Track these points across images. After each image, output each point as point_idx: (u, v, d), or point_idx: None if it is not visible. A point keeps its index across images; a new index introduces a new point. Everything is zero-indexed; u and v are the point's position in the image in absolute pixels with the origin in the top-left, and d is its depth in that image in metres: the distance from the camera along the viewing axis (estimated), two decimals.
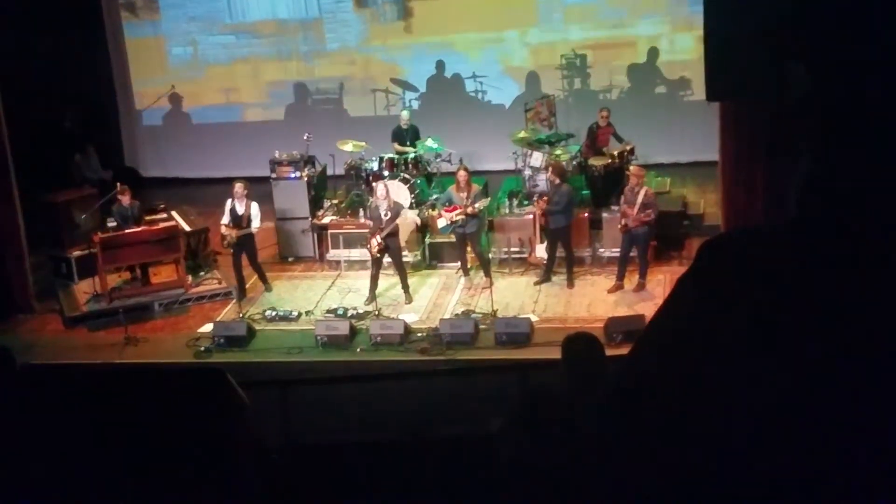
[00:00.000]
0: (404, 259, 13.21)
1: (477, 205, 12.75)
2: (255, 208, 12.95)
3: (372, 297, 12.57)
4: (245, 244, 12.89)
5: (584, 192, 14.30)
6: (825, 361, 1.35)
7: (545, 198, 12.71)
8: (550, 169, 13.03)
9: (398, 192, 13.89)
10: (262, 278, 13.22)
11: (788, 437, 1.36)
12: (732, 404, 1.39)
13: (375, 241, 12.49)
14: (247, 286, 13.17)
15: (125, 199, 13.24)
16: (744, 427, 1.38)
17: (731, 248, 1.47)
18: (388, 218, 12.50)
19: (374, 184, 13.57)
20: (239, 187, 12.93)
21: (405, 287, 12.75)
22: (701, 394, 1.42)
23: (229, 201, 12.92)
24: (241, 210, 12.85)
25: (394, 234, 12.58)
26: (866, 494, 1.34)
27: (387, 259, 12.78)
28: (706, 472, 1.41)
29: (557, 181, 12.75)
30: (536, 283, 12.96)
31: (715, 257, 1.46)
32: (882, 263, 1.35)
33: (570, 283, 12.85)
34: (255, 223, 12.94)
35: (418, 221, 13.49)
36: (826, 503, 1.35)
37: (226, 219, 12.87)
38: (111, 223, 13.45)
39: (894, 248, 1.36)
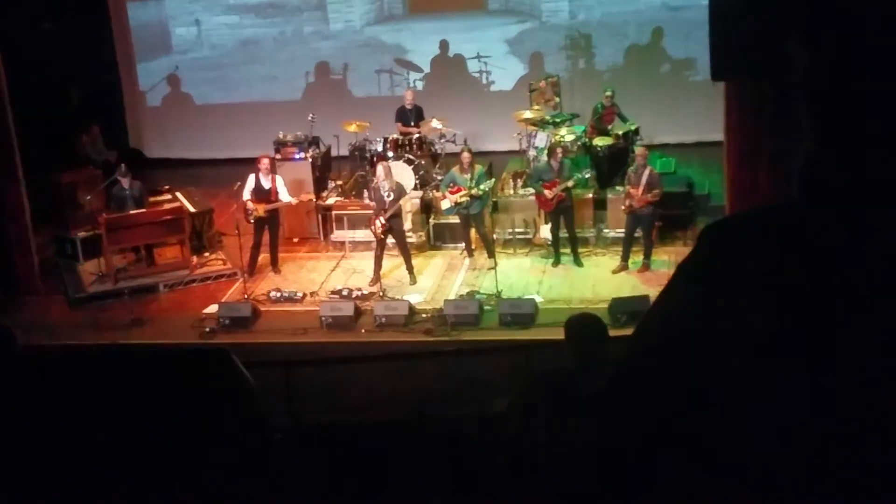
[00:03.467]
0: (409, 240, 13.21)
1: (481, 186, 12.74)
2: (280, 181, 12.99)
3: (377, 278, 12.57)
4: (271, 220, 12.93)
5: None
6: (829, 349, 1.34)
7: (557, 179, 12.62)
8: (560, 151, 12.94)
9: (402, 173, 13.87)
10: (275, 259, 13.20)
11: (790, 427, 1.36)
12: (732, 392, 1.39)
13: (379, 222, 12.48)
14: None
15: (125, 182, 13.22)
16: (743, 414, 1.38)
17: (732, 232, 1.46)
18: (390, 199, 12.48)
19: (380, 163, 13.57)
20: (265, 162, 12.97)
21: (409, 268, 12.75)
22: (701, 382, 1.41)
23: (251, 177, 12.90)
24: (266, 184, 12.86)
25: (397, 215, 12.57)
26: (876, 491, 1.33)
27: (391, 240, 12.78)
28: (705, 458, 1.41)
29: (561, 158, 12.77)
30: (554, 265, 12.92)
31: (715, 243, 1.45)
32: (886, 246, 1.34)
33: (579, 262, 12.85)
34: (285, 195, 12.93)
35: (417, 203, 13.38)
36: (832, 496, 1.35)
37: (247, 193, 12.86)
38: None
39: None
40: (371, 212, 12.81)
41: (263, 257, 13.25)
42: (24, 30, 15.34)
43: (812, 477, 1.35)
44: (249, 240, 13.07)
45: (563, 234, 12.92)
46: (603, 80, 16.51)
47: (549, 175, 12.72)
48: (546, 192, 12.65)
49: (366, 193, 13.83)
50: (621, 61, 17.06)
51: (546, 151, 13.48)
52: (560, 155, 12.78)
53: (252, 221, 12.92)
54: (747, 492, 1.39)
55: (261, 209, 12.79)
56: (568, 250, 13.00)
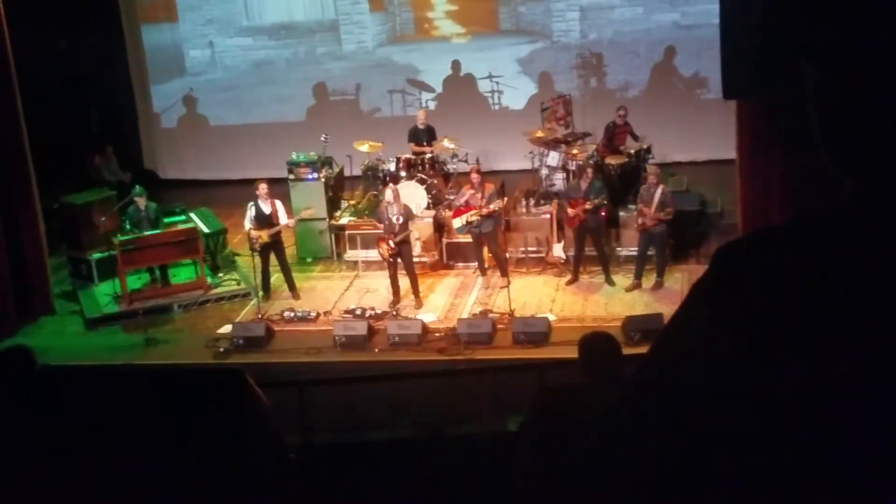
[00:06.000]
0: (422, 259, 13.22)
1: (492, 205, 12.76)
2: (279, 205, 13.01)
3: (397, 298, 12.59)
4: (275, 244, 12.96)
5: None
6: (845, 368, 1.34)
7: (582, 199, 12.62)
8: (590, 172, 12.94)
9: (415, 192, 13.91)
10: (291, 285, 13.16)
11: (801, 451, 1.36)
12: (744, 414, 1.39)
13: (386, 245, 12.49)
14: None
15: (140, 202, 13.28)
16: (755, 440, 1.38)
17: (747, 252, 1.46)
18: (399, 223, 12.48)
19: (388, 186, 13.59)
20: (263, 187, 12.94)
21: (416, 292, 12.70)
22: (715, 402, 1.41)
23: (251, 205, 12.89)
24: (266, 209, 12.88)
25: (405, 240, 12.56)
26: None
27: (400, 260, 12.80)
28: (716, 477, 1.41)
29: (591, 179, 12.76)
30: (568, 283, 12.92)
31: (730, 263, 1.46)
32: None
33: (610, 280, 12.84)
34: (284, 218, 12.97)
35: (416, 233, 13.26)
36: None
37: (248, 223, 12.88)
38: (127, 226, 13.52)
39: None
40: (381, 232, 12.84)
41: (277, 277, 13.28)
42: (39, 52, 15.46)
43: (817, 489, 1.36)
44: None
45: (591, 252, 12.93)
46: (614, 98, 16.54)
47: (575, 194, 12.76)
48: (569, 210, 12.68)
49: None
50: (633, 80, 17.09)
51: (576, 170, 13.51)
52: (589, 177, 12.80)
53: (258, 249, 12.92)
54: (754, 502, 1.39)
55: (264, 235, 12.79)
56: (586, 270, 13.01)
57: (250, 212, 12.86)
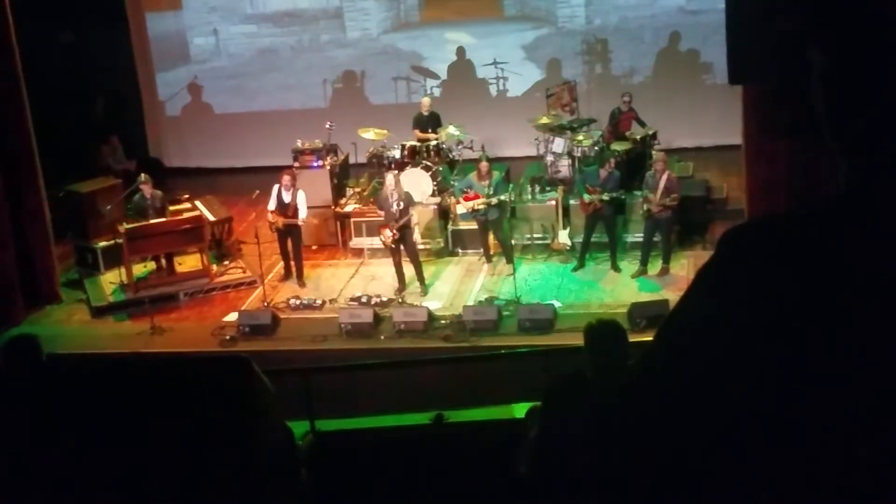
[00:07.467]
0: (427, 246, 13.20)
1: (501, 196, 12.76)
2: (301, 197, 13.07)
3: (402, 286, 12.60)
4: (291, 232, 13.09)
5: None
6: (849, 354, 1.34)
7: (599, 188, 12.59)
8: (613, 162, 12.92)
9: (420, 179, 13.89)
10: (300, 272, 13.28)
11: (804, 434, 1.36)
12: (752, 398, 1.39)
13: (388, 232, 12.48)
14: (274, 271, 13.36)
15: (146, 190, 13.29)
16: (759, 424, 1.38)
17: (752, 238, 1.46)
18: (400, 209, 12.48)
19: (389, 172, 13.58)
20: (287, 178, 13.08)
21: (420, 278, 12.71)
22: (720, 388, 1.41)
23: (276, 188, 13.03)
24: (287, 199, 12.98)
25: (407, 225, 12.56)
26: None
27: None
28: (720, 463, 1.42)
29: (612, 169, 12.77)
30: (574, 271, 12.92)
31: (735, 248, 1.45)
32: None
33: (616, 267, 12.85)
34: (302, 213, 13.05)
35: (416, 217, 13.24)
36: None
37: (272, 205, 13.03)
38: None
39: None
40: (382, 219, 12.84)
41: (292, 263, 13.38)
42: (44, 41, 15.46)
43: (822, 479, 1.36)
44: (268, 248, 13.17)
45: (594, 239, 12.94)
46: (620, 84, 16.49)
47: (594, 181, 12.73)
48: (585, 195, 12.67)
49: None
50: (638, 66, 17.04)
51: (599, 159, 13.46)
52: (611, 166, 12.76)
53: (274, 231, 13.05)
54: (761, 491, 1.39)
55: (279, 222, 12.91)
56: (592, 257, 13.01)
57: (274, 195, 13.03)
